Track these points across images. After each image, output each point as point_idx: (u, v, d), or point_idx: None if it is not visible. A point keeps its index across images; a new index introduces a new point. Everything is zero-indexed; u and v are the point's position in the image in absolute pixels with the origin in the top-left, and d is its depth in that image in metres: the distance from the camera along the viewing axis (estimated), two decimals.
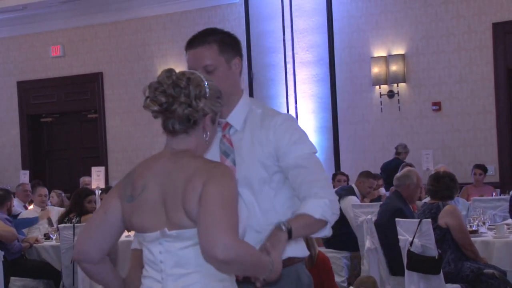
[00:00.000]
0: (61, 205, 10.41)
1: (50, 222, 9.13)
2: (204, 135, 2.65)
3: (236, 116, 3.05)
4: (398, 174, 7.22)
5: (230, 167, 2.84)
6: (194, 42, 3.11)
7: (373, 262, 7.06)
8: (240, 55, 3.09)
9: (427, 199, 7.45)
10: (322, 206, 2.86)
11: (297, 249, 3.06)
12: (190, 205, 2.48)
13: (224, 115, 3.02)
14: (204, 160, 2.60)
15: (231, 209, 2.45)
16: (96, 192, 10.18)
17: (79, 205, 8.34)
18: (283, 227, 2.76)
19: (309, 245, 6.76)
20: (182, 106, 2.58)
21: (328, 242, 8.04)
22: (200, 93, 2.59)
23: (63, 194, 11.06)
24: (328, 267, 5.98)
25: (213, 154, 2.93)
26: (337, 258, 8.00)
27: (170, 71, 2.63)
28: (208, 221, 2.40)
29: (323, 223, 2.87)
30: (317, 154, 3.02)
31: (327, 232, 2.91)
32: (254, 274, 2.58)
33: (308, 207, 2.87)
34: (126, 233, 8.61)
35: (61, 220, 8.31)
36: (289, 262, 3.00)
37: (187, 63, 3.11)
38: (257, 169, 2.96)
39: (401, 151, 11.01)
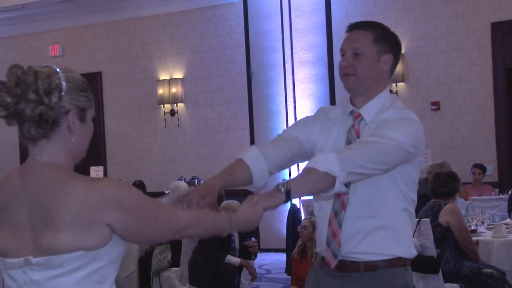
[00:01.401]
0: None
1: None
2: (71, 137, 2.28)
3: (368, 109, 3.07)
4: (431, 163, 7.24)
5: None
6: (355, 26, 3.12)
7: None
8: (395, 55, 3.09)
9: None
10: (329, 159, 2.75)
11: (400, 248, 3.02)
12: (64, 228, 2.15)
13: (359, 105, 3.09)
14: (70, 176, 2.25)
15: (151, 201, 2.30)
16: None
17: None
18: (282, 188, 2.71)
19: (313, 242, 6.97)
20: (30, 105, 2.19)
21: None
22: (51, 86, 2.21)
23: None
24: None
25: (339, 142, 3.02)
26: None
27: (14, 67, 2.29)
28: (144, 220, 2.24)
29: (330, 178, 2.75)
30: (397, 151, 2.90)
31: (337, 189, 2.77)
32: (210, 235, 2.46)
33: (314, 160, 2.81)
34: None
35: None
36: (388, 263, 3.00)
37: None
38: None
39: None
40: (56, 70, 2.25)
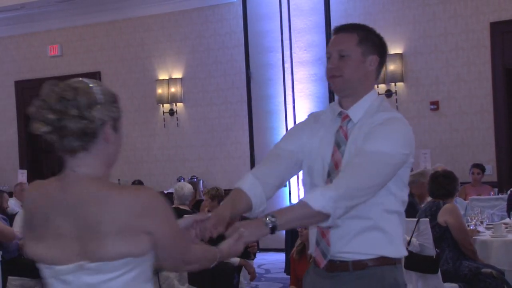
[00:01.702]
0: None
1: None
2: (108, 147, 2.42)
3: (356, 109, 3.10)
4: (413, 172, 7.24)
5: (338, 158, 2.99)
6: (340, 28, 3.18)
7: None
8: (381, 56, 3.13)
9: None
10: (325, 197, 2.77)
11: (389, 249, 3.04)
12: (112, 238, 2.27)
13: (347, 106, 3.12)
14: (110, 186, 2.41)
15: (178, 230, 2.46)
16: None
17: None
18: (269, 223, 2.75)
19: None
20: (72, 120, 2.28)
21: None
22: (90, 101, 2.31)
23: None
24: None
25: (328, 143, 3.06)
26: None
27: (52, 84, 2.35)
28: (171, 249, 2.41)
29: (323, 216, 2.79)
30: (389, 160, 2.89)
31: (330, 223, 2.82)
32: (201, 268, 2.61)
33: (309, 196, 2.82)
34: None
35: None
36: (377, 262, 3.01)
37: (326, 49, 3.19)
38: None
39: None
40: (89, 84, 2.35)
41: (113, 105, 2.40)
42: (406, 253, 3.10)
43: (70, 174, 2.42)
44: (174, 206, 8.63)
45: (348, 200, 2.80)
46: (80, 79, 2.39)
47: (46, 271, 2.39)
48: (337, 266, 3.04)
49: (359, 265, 3.01)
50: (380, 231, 2.98)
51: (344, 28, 3.16)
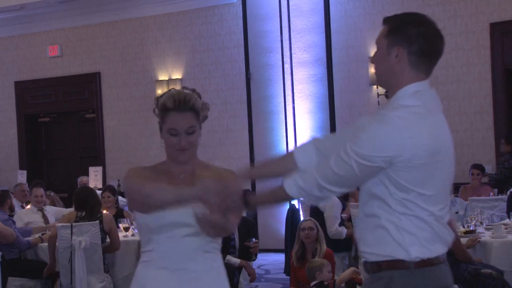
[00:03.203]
0: (54, 205, 10.38)
1: (46, 223, 9.14)
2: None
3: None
4: None
5: None
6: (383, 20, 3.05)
7: None
8: (405, 46, 2.88)
9: None
10: (297, 186, 2.93)
11: (398, 250, 2.86)
12: None
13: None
14: None
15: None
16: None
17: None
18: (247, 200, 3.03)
19: (318, 242, 7.04)
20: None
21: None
22: (203, 104, 3.32)
23: (52, 194, 11.00)
24: (333, 261, 6.79)
25: None
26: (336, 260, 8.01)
27: (180, 91, 3.25)
28: None
29: (292, 198, 2.98)
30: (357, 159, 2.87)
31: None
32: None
33: (286, 181, 2.96)
34: (123, 232, 8.61)
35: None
36: (388, 265, 2.87)
37: None
38: None
39: None
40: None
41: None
42: (421, 257, 2.86)
43: None
44: None
45: (316, 191, 2.88)
46: (185, 87, 3.24)
47: None
48: (367, 268, 2.96)
49: (375, 267, 2.90)
50: (389, 231, 2.84)
51: (383, 20, 3.04)
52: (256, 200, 3.06)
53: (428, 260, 2.85)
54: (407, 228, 2.83)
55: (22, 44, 14.73)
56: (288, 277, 8.25)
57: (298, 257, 7.20)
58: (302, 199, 2.96)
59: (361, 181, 2.88)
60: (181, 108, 3.16)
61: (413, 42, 2.89)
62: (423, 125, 2.82)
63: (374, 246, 2.88)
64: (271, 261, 11.14)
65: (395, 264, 2.85)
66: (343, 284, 6.62)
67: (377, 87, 11.57)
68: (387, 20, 3.00)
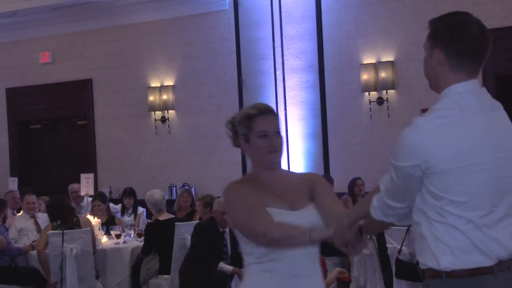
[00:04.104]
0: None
1: (38, 229, 9.11)
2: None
3: None
4: None
5: None
6: None
7: (369, 268, 7.02)
8: (442, 48, 2.82)
9: None
10: (376, 208, 2.95)
11: (430, 259, 2.80)
12: None
13: None
14: None
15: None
16: (86, 199, 10.17)
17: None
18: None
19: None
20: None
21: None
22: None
23: (47, 199, 10.96)
24: (325, 269, 6.56)
25: None
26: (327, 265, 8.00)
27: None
28: None
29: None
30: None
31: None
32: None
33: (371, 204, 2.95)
34: (115, 240, 8.59)
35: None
36: (425, 274, 2.84)
37: None
38: None
39: None
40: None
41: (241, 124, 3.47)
42: (453, 267, 2.76)
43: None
44: (154, 219, 8.57)
45: (387, 209, 2.85)
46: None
47: None
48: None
49: (424, 275, 2.86)
50: (423, 238, 2.80)
51: (428, 22, 2.95)
52: (366, 229, 2.98)
53: (462, 271, 2.73)
54: (441, 237, 2.75)
55: (14, 51, 14.69)
56: None
57: None
58: (386, 219, 2.88)
59: (409, 191, 2.79)
60: (266, 112, 3.44)
61: (449, 43, 2.81)
62: (452, 128, 2.75)
63: (419, 255, 2.86)
64: None
65: (430, 273, 2.80)
66: (333, 285, 6.59)
67: (369, 94, 11.58)
68: (430, 22, 2.90)
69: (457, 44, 2.80)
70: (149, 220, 9.44)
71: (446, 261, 2.74)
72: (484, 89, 2.92)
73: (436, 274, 2.78)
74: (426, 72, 2.92)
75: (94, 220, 8.86)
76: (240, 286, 3.45)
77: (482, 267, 2.73)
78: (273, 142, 3.39)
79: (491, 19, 10.80)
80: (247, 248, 3.33)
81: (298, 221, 3.20)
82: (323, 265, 7.00)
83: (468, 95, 2.84)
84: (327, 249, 8.09)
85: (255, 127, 3.40)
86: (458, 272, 2.74)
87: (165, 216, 8.51)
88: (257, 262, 3.28)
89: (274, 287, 3.25)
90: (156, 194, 8.57)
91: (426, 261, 2.81)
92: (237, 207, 3.35)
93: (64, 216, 7.91)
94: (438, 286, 2.78)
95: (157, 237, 8.17)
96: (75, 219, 7.95)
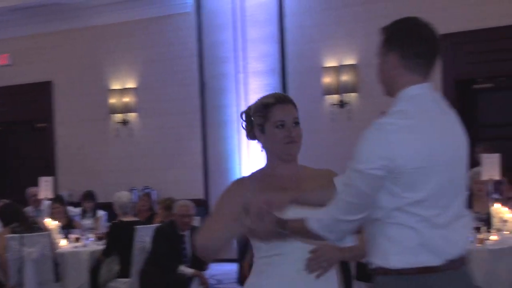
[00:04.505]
0: None
1: None
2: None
3: None
4: None
5: None
6: None
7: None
8: (397, 51, 2.86)
9: None
10: (320, 223, 2.83)
11: (382, 257, 2.81)
12: None
13: None
14: None
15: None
16: (45, 202, 10.06)
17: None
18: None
19: None
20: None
21: None
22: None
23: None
24: None
25: None
26: None
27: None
28: None
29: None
30: None
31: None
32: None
33: (311, 216, 2.85)
34: (75, 243, 8.50)
35: None
36: (376, 272, 2.85)
37: None
38: None
39: None
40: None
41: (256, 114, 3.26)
42: (401, 265, 2.78)
43: None
44: (118, 220, 8.53)
45: (334, 228, 2.79)
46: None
47: None
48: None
49: (374, 273, 2.87)
50: (375, 239, 2.83)
51: (380, 30, 3.04)
52: (291, 228, 2.91)
53: (411, 269, 2.75)
54: (392, 237, 2.77)
55: None
56: (241, 286, 8.23)
57: (251, 266, 7.20)
58: (328, 236, 2.81)
59: (375, 196, 2.76)
60: (284, 100, 3.31)
61: (405, 45, 2.86)
62: (413, 129, 2.75)
63: (370, 255, 2.85)
64: (224, 271, 11.09)
65: (380, 271, 2.82)
66: None
67: (331, 97, 11.63)
68: (383, 29, 2.99)
69: (412, 46, 2.84)
70: (110, 223, 9.37)
71: (395, 260, 2.76)
72: (438, 93, 2.94)
73: (385, 272, 2.79)
74: (381, 77, 2.96)
75: (53, 224, 8.76)
76: (248, 280, 3.32)
77: (430, 266, 2.75)
78: (291, 133, 3.25)
79: (452, 24, 10.91)
80: (254, 243, 3.23)
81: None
82: None
83: (424, 97, 2.86)
84: None
85: (272, 117, 3.23)
86: (406, 270, 2.76)
87: (129, 218, 8.46)
88: (264, 256, 3.21)
89: (280, 281, 3.17)
90: (124, 196, 8.53)
91: (376, 260, 2.82)
92: (215, 205, 3.26)
93: (19, 219, 7.82)
94: (387, 282, 2.80)
95: (120, 238, 8.11)
96: (31, 219, 7.87)
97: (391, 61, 2.89)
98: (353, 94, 11.53)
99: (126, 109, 13.07)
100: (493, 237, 7.29)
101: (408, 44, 2.85)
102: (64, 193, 12.36)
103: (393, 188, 2.73)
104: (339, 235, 2.82)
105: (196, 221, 8.27)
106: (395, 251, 2.77)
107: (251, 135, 3.32)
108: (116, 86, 13.25)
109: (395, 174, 2.71)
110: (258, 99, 3.32)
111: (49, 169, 13.54)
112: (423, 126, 2.78)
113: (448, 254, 2.78)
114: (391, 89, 2.93)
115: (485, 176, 7.82)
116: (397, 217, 2.75)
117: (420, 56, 2.86)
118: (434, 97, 2.91)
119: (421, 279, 2.77)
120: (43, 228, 7.99)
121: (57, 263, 7.88)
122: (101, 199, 11.71)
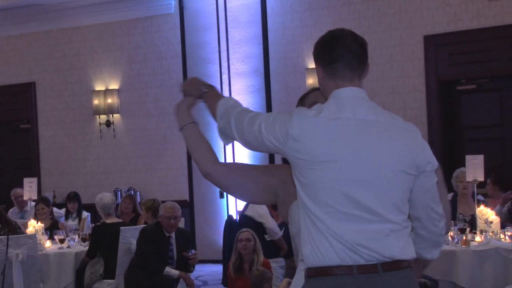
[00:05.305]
0: None
1: None
2: None
3: None
4: None
5: None
6: None
7: None
8: (319, 62, 3.05)
9: None
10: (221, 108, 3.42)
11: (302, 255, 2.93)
12: None
13: None
14: None
15: None
16: (29, 203, 10.03)
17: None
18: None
19: (256, 253, 7.05)
20: None
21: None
22: None
23: None
24: (270, 271, 6.75)
25: None
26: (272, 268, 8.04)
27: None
28: None
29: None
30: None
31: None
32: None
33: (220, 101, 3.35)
34: (59, 244, 8.49)
35: None
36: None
37: None
38: None
39: None
40: None
41: None
42: (311, 264, 2.83)
43: None
44: (101, 222, 8.53)
45: (227, 119, 3.25)
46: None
47: None
48: None
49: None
50: (301, 233, 2.95)
51: None
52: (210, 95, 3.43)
53: (320, 269, 2.80)
54: (309, 234, 2.83)
55: None
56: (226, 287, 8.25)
57: (236, 268, 7.23)
58: (217, 119, 3.28)
59: (257, 145, 3.10)
60: (318, 89, 3.34)
61: (322, 54, 3.03)
62: (329, 123, 2.86)
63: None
64: (209, 272, 11.12)
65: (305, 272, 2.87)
66: None
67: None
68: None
69: (327, 53, 3.00)
70: (93, 224, 9.36)
71: (308, 258, 2.82)
72: (373, 103, 3.06)
73: (307, 271, 2.86)
74: (319, 84, 3.11)
75: (38, 225, 8.75)
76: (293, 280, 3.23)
77: (336, 265, 2.78)
78: None
79: (434, 25, 11.00)
80: (295, 245, 3.17)
81: None
82: (268, 268, 7.03)
83: (345, 100, 2.96)
84: (273, 251, 8.16)
85: (306, 102, 3.30)
86: (317, 270, 2.80)
87: (113, 220, 8.46)
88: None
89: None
90: (106, 198, 8.52)
91: (302, 256, 2.90)
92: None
93: (1, 222, 7.82)
94: (308, 284, 2.86)
95: (104, 240, 8.11)
96: (14, 222, 7.87)
97: (318, 72, 3.06)
98: None
99: (109, 110, 13.06)
100: (478, 239, 7.35)
101: (325, 53, 3.03)
102: (48, 194, 12.33)
103: (300, 178, 2.87)
104: (224, 126, 3.29)
105: (181, 223, 8.28)
106: (308, 249, 2.86)
107: None
108: (99, 87, 13.23)
109: (302, 163, 2.85)
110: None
111: (33, 171, 13.51)
112: (337, 123, 2.87)
113: (346, 258, 2.80)
114: (325, 98, 3.06)
115: (469, 178, 7.87)
116: (311, 213, 2.86)
117: (336, 60, 2.99)
118: (358, 102, 2.99)
119: (326, 281, 2.80)
120: (25, 233, 7.99)
121: (42, 264, 7.87)
122: (84, 200, 11.69)
